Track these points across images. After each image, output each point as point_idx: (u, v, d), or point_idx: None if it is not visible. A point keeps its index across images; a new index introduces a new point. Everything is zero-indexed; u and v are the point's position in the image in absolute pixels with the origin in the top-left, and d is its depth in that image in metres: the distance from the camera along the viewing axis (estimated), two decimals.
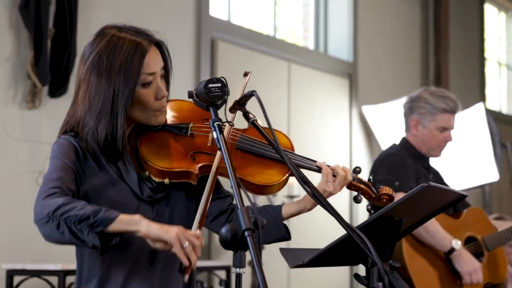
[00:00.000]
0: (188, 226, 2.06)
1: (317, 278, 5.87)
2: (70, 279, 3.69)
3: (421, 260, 3.34)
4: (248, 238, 1.62)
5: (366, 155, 6.57)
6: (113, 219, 1.76)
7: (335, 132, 6.31)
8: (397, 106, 6.46)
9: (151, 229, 1.76)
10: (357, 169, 2.19)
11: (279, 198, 5.31)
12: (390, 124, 6.38)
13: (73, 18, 4.23)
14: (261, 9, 6.17)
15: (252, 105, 2.02)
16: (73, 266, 3.56)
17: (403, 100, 6.45)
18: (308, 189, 1.86)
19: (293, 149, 2.19)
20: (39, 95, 4.15)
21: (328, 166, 2.15)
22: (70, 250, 3.89)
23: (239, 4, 5.92)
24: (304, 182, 1.87)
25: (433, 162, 3.68)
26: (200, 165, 2.02)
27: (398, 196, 3.21)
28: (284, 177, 2.11)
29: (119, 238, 1.81)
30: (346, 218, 5.89)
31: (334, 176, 2.12)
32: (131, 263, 1.97)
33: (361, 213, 6.27)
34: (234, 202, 2.20)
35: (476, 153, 6.16)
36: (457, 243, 3.33)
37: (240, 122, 2.09)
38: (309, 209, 2.14)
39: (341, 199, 5.42)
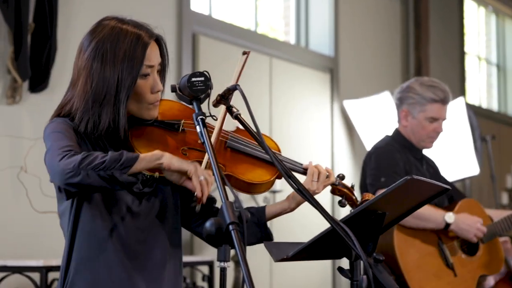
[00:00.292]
0: (174, 220, 2.07)
1: (299, 273, 5.89)
2: (52, 275, 3.67)
3: (413, 255, 3.32)
4: (232, 232, 1.63)
5: (347, 150, 6.59)
6: (136, 158, 1.83)
7: (317, 127, 6.32)
8: (378, 100, 6.50)
9: (173, 161, 1.85)
10: (341, 175, 2.25)
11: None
12: (371, 118, 6.40)
13: (53, 13, 4.19)
14: (242, 4, 6.16)
15: (235, 100, 2.02)
16: (55, 262, 3.55)
17: (384, 94, 6.50)
18: (293, 184, 1.87)
19: (279, 151, 2.21)
20: (19, 90, 4.12)
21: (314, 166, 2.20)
22: (51, 246, 3.88)
23: None
24: (289, 176, 1.87)
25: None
26: (192, 160, 2.03)
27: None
28: (273, 177, 2.16)
29: (152, 188, 1.94)
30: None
31: (318, 176, 2.18)
32: (120, 256, 1.97)
33: (343, 210, 6.28)
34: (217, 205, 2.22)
35: (457, 147, 6.20)
36: (449, 217, 3.32)
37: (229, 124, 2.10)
38: (293, 209, 2.18)
39: (322, 200, 5.42)
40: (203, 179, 1.84)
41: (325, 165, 2.26)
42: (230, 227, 1.63)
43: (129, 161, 1.82)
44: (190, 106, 2.10)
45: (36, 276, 3.65)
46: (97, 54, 1.96)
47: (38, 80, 4.18)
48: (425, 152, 3.64)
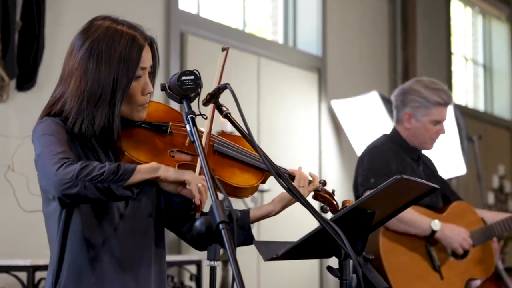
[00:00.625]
0: (159, 222, 2.07)
1: (287, 271, 5.89)
2: (39, 274, 3.66)
3: (399, 257, 3.31)
4: (222, 231, 1.63)
5: (335, 149, 6.60)
6: (133, 170, 1.83)
7: (305, 126, 6.33)
8: (366, 100, 6.51)
9: (170, 172, 1.87)
10: (322, 181, 2.25)
11: None
12: (358, 118, 6.42)
13: (41, 11, 4.17)
14: (230, 3, 6.16)
15: (226, 99, 2.02)
16: (42, 261, 3.54)
17: (371, 94, 6.51)
18: (283, 183, 1.87)
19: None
20: (6, 89, 4.10)
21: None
22: (39, 245, 3.86)
23: None
24: (279, 175, 1.88)
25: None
26: (179, 163, 2.03)
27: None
28: (258, 182, 2.16)
29: (139, 190, 1.89)
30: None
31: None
32: (107, 260, 1.96)
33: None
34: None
35: (444, 147, 6.22)
36: (435, 224, 3.30)
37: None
38: (277, 212, 2.18)
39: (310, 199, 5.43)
40: (201, 186, 1.86)
41: (313, 165, 2.28)
42: (220, 226, 1.63)
43: (126, 173, 1.82)
44: (176, 109, 2.12)
45: (23, 275, 3.64)
46: (92, 54, 1.94)
47: (26, 79, 4.16)
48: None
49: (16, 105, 4.15)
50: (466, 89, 9.56)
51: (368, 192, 3.20)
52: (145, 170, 1.85)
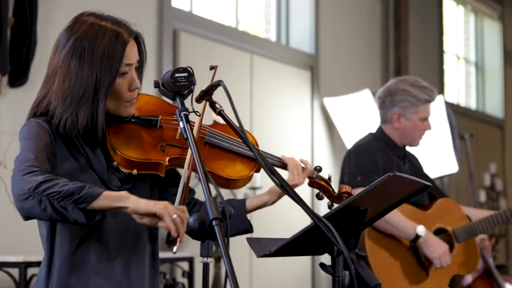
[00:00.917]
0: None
1: (279, 268, 5.90)
2: (31, 271, 3.65)
3: (384, 253, 3.33)
4: (216, 227, 1.63)
5: (327, 147, 6.61)
6: (98, 195, 1.74)
7: (297, 124, 6.34)
8: (358, 98, 6.52)
9: (139, 204, 1.74)
10: (318, 167, 2.25)
11: (241, 189, 5.32)
12: (351, 116, 6.43)
13: (34, 7, 4.16)
14: (223, 1, 6.16)
15: (218, 96, 2.02)
16: (34, 258, 3.54)
17: (363, 92, 6.52)
18: (275, 179, 1.87)
19: (257, 146, 2.21)
20: None
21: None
22: (31, 242, 3.85)
23: None
24: (271, 172, 1.88)
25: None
26: (169, 157, 2.03)
27: (359, 191, 3.25)
28: (251, 172, 2.16)
29: (102, 215, 1.81)
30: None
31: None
32: (98, 252, 1.96)
33: (323, 209, 6.30)
34: (196, 197, 2.22)
35: (436, 145, 6.24)
36: (421, 230, 3.31)
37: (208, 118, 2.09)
38: (273, 202, 2.19)
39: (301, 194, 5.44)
40: (176, 218, 1.73)
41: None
42: (213, 222, 1.63)
43: (88, 196, 1.73)
44: (171, 102, 2.11)
45: (15, 271, 3.63)
46: (75, 52, 1.93)
47: (18, 75, 4.15)
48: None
49: (8, 101, 4.14)
50: (458, 88, 9.59)
51: (355, 190, 3.23)
52: (113, 197, 1.75)
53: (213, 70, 2.14)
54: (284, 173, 2.03)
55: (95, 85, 1.92)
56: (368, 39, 7.38)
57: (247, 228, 2.15)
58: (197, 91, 2.00)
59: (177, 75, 1.91)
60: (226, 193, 5.04)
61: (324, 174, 2.31)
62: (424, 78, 8.47)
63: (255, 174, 2.21)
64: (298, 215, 2.88)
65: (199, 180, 1.74)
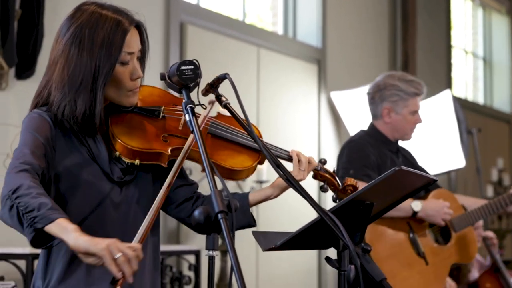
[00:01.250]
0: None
1: (285, 262, 5.90)
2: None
3: (384, 244, 3.37)
4: (221, 220, 1.62)
5: (334, 141, 6.60)
6: (52, 220, 1.67)
7: (304, 118, 6.33)
8: (365, 92, 6.50)
9: (78, 241, 1.64)
10: (322, 160, 2.26)
11: (248, 183, 5.32)
12: (358, 110, 6.41)
13: (40, 0, 4.17)
14: None
15: (224, 90, 2.01)
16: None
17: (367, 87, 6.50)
18: (281, 172, 1.87)
19: (261, 138, 2.20)
20: (5, 77, 4.09)
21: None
22: None
23: None
24: (277, 165, 1.87)
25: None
26: (172, 147, 2.02)
27: None
28: (255, 163, 2.15)
29: (59, 242, 1.73)
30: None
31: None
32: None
33: (328, 198, 6.30)
34: (199, 190, 2.21)
35: (443, 140, 6.22)
36: (416, 205, 3.40)
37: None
38: (276, 196, 2.19)
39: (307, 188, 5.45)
40: (120, 257, 1.61)
41: (311, 155, 2.27)
42: (219, 216, 1.63)
43: (43, 218, 1.67)
44: (177, 95, 2.10)
45: (22, 263, 3.64)
46: (75, 40, 1.93)
47: (25, 67, 4.15)
48: (405, 143, 3.69)
49: (15, 93, 4.15)
50: (466, 82, 9.56)
51: None
52: (60, 227, 1.67)
53: (210, 105, 2.11)
54: (289, 166, 2.02)
55: (94, 72, 1.92)
56: (375, 33, 7.36)
57: (250, 222, 2.15)
58: (205, 81, 2.00)
59: (183, 67, 1.91)
60: (232, 186, 5.03)
61: (329, 167, 2.30)
62: (432, 73, 8.48)
63: (261, 168, 2.20)
64: (304, 208, 2.87)
65: (204, 172, 1.73)
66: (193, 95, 1.96)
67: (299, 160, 2.19)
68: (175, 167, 1.95)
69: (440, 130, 6.21)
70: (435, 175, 6.08)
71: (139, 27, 2.01)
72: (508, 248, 8.92)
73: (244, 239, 3.44)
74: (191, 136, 1.99)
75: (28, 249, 3.56)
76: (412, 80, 3.54)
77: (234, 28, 5.76)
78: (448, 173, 7.23)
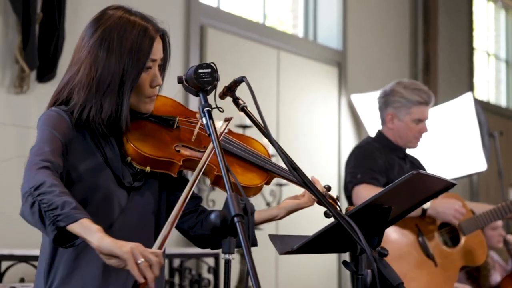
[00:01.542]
0: (160, 217, 2.05)
1: (305, 265, 5.89)
2: None
3: (393, 246, 3.38)
4: (237, 224, 1.62)
5: (354, 144, 6.56)
6: (76, 219, 1.66)
7: (324, 121, 6.31)
8: None
9: (103, 243, 1.64)
10: (327, 186, 2.22)
11: (268, 186, 5.30)
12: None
13: (62, 3, 4.20)
14: None
15: (242, 93, 2.01)
16: None
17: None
18: (296, 175, 1.86)
19: (269, 157, 2.20)
20: (27, 80, 4.13)
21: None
22: None
23: None
24: (294, 168, 1.87)
25: (420, 151, 3.71)
26: (184, 158, 2.02)
27: (361, 187, 3.34)
28: (263, 182, 2.14)
29: (81, 241, 1.71)
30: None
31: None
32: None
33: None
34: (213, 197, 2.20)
35: (465, 143, 6.18)
36: (425, 203, 3.41)
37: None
38: (281, 217, 2.17)
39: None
40: (142, 263, 1.61)
41: (332, 160, 2.26)
42: (235, 219, 1.62)
43: (67, 217, 1.67)
44: (190, 107, 2.10)
45: None
46: (103, 42, 1.93)
47: (46, 70, 4.18)
48: (421, 148, 3.71)
49: (36, 96, 4.18)
50: (488, 85, 9.49)
51: (357, 188, 3.39)
52: (84, 227, 1.66)
53: (226, 122, 2.10)
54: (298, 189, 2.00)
55: (122, 76, 1.92)
56: (396, 34, 7.33)
57: (253, 241, 2.10)
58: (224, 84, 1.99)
59: (200, 70, 1.90)
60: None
61: (332, 193, 2.28)
62: (454, 75, 8.42)
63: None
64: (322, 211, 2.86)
65: (212, 186, 1.71)
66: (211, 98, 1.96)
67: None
68: (193, 177, 1.93)
69: (462, 133, 6.17)
70: (456, 179, 6.06)
71: (163, 36, 2.03)
72: None
73: (263, 242, 3.44)
74: (209, 147, 1.99)
75: None
76: (419, 89, 3.57)
77: (254, 31, 5.76)
78: (470, 176, 7.18)
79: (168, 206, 2.11)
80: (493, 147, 6.62)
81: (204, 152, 2.03)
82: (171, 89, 2.17)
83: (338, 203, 2.23)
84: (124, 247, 1.62)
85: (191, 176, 1.97)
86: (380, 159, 3.49)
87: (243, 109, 1.98)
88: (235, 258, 1.73)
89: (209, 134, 1.82)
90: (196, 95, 1.94)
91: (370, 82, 6.75)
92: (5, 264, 3.74)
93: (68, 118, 1.93)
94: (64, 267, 1.92)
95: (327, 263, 6.17)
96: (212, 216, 1.67)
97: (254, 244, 2.10)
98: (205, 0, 5.44)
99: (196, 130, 2.08)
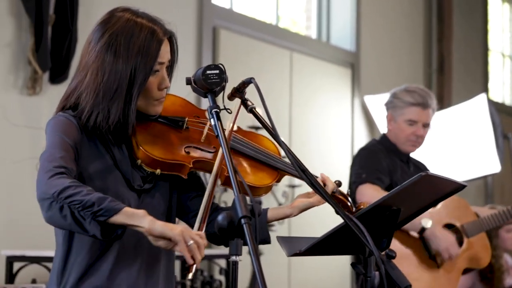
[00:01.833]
0: (171, 218, 2.05)
1: (318, 267, 5.87)
2: None
3: (396, 246, 3.38)
4: (244, 225, 1.61)
5: None
6: (118, 210, 1.71)
7: (337, 122, 6.30)
8: None
9: (155, 226, 1.70)
10: (337, 182, 2.20)
11: (280, 187, 5.30)
12: None
13: (74, 5, 4.21)
14: None
15: (251, 95, 2.00)
16: None
17: None
18: (304, 177, 1.85)
19: (279, 155, 2.19)
20: (39, 82, 4.14)
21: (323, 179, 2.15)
22: None
23: None
24: (302, 170, 1.86)
25: (433, 152, 3.70)
26: (194, 159, 2.01)
27: (365, 187, 3.34)
28: (273, 181, 2.13)
29: (122, 230, 1.75)
30: None
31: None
32: (117, 251, 1.94)
33: None
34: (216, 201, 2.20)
35: (478, 144, 6.15)
36: (426, 222, 3.41)
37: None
38: (294, 215, 2.15)
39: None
40: (192, 244, 1.69)
41: (345, 161, 2.25)
42: (242, 220, 1.62)
43: (108, 210, 1.70)
44: (199, 105, 2.09)
45: None
46: (110, 46, 1.92)
47: (58, 72, 4.20)
48: (435, 150, 3.71)
49: (48, 97, 4.20)
50: (503, 86, 9.43)
51: (361, 188, 3.41)
52: (130, 215, 1.72)
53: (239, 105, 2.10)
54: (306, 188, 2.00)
55: (130, 80, 1.91)
56: (410, 35, 7.30)
57: (266, 238, 2.10)
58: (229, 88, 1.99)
59: (208, 72, 1.89)
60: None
61: (343, 189, 2.27)
62: (468, 76, 8.37)
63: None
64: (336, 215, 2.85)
65: (222, 187, 1.71)
66: (219, 99, 1.95)
67: (324, 184, 2.15)
68: (210, 186, 1.93)
69: (475, 135, 6.14)
70: (470, 180, 6.03)
71: (171, 38, 2.01)
72: None
73: (276, 244, 3.43)
74: (220, 149, 1.98)
75: None
76: (413, 91, 3.59)
77: (267, 32, 5.76)
78: (485, 178, 7.14)
79: (180, 205, 2.11)
80: (507, 149, 6.58)
81: (214, 152, 2.02)
82: (183, 89, 2.16)
83: (349, 198, 2.23)
84: (175, 230, 1.69)
85: (202, 174, 1.97)
86: (384, 160, 3.52)
87: (251, 110, 1.97)
88: (247, 260, 1.72)
89: (217, 136, 1.81)
90: (205, 96, 1.93)
91: (383, 83, 6.72)
92: (17, 265, 3.76)
93: (77, 122, 1.92)
94: (79, 269, 1.92)
95: (340, 265, 6.15)
96: (220, 217, 1.67)
97: (268, 241, 2.12)
98: (217, 2, 5.44)
99: (205, 130, 2.07)
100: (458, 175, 5.89)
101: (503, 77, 9.44)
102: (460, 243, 3.57)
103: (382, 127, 6.28)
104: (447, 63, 7.46)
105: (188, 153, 2.02)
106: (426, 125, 3.60)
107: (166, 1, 4.85)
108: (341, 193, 2.20)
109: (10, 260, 3.73)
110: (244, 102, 1.98)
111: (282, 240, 1.93)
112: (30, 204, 4.09)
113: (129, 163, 1.98)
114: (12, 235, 4.04)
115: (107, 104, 1.91)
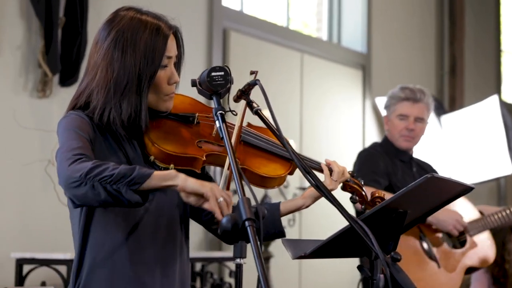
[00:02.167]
0: (184, 217, 2.05)
1: (329, 271, 5.85)
2: None
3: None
4: (248, 228, 1.60)
5: None
6: (149, 175, 1.73)
7: (348, 124, 6.28)
8: None
9: (187, 182, 1.74)
10: (350, 172, 2.23)
11: (290, 189, 5.29)
12: None
13: (84, 7, 4.22)
14: (274, 0, 6.14)
15: (256, 96, 2.00)
16: None
17: None
18: (310, 178, 1.85)
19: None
20: (49, 84, 4.15)
21: (328, 163, 2.19)
22: None
23: None
24: (307, 172, 1.85)
25: (445, 154, 3.69)
26: (207, 153, 2.02)
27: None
28: (287, 172, 2.15)
29: (153, 195, 1.81)
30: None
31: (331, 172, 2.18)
32: (131, 250, 1.95)
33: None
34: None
35: (491, 146, 6.12)
36: None
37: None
38: (308, 206, 2.18)
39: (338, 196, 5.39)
40: (222, 201, 1.73)
41: (352, 165, 2.25)
42: (246, 223, 1.61)
43: (140, 177, 1.73)
44: (203, 103, 2.10)
45: (63, 268, 3.68)
46: (118, 43, 1.93)
47: (68, 74, 4.21)
48: (448, 150, 3.70)
49: (58, 100, 4.21)
50: None
51: None
52: (162, 176, 1.75)
53: (253, 75, 2.11)
54: (320, 176, 1.99)
55: (139, 75, 1.93)
56: (421, 36, 7.26)
57: (280, 232, 2.13)
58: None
59: (213, 74, 1.90)
60: (274, 193, 5.01)
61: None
62: (480, 77, 8.32)
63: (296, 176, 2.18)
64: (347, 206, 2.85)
65: (233, 179, 1.72)
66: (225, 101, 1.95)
67: (332, 170, 2.16)
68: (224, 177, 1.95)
69: (487, 136, 6.10)
70: (482, 182, 6.00)
71: (176, 33, 2.03)
72: None
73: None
74: (231, 141, 1.98)
75: (69, 255, 3.60)
76: (407, 88, 3.65)
77: (278, 34, 5.75)
78: (497, 180, 7.10)
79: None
80: None
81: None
82: (192, 91, 2.16)
83: (364, 188, 2.23)
84: (206, 186, 1.73)
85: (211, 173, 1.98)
86: (383, 162, 3.55)
87: (256, 112, 1.96)
88: (251, 263, 1.71)
89: (222, 138, 1.81)
90: (210, 98, 1.93)
91: (394, 85, 6.63)
92: (26, 267, 3.77)
93: (89, 120, 1.94)
94: (91, 269, 1.93)
95: (351, 268, 6.12)
96: (224, 220, 1.66)
97: (283, 234, 2.14)
98: (228, 4, 5.44)
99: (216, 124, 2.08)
100: (471, 177, 5.86)
101: None
102: (463, 242, 3.56)
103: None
104: (459, 64, 7.42)
105: (200, 147, 2.03)
106: (418, 120, 3.61)
107: (177, 3, 4.86)
108: (355, 182, 2.22)
109: (20, 263, 3.74)
110: (250, 104, 1.98)
111: (288, 242, 1.92)
112: (40, 206, 4.12)
113: (142, 160, 1.99)
114: (22, 237, 4.05)
115: (119, 100, 1.93)
